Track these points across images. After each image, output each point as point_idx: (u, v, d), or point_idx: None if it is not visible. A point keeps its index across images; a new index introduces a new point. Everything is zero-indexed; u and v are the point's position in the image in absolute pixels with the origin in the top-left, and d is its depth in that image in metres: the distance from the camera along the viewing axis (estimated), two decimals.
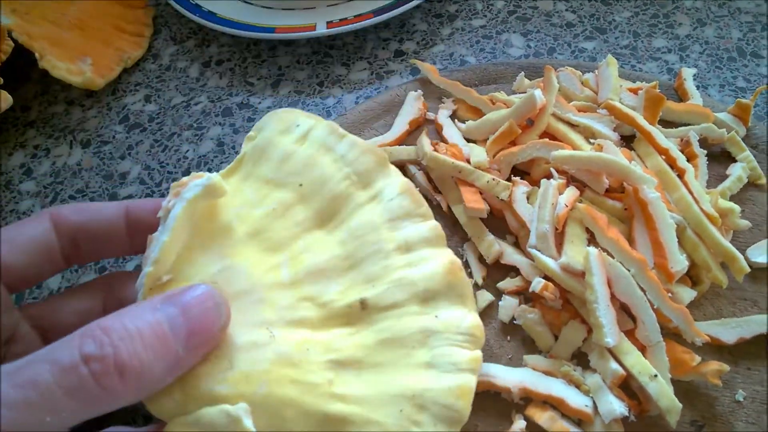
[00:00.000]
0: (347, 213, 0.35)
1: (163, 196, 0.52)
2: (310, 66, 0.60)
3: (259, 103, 0.58)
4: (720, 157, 0.47)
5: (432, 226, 0.35)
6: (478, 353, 0.33)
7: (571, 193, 0.40)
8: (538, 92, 0.44)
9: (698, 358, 0.36)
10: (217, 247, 0.33)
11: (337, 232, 0.35)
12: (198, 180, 0.32)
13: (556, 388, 0.36)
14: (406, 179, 0.37)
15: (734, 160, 0.46)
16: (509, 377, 0.37)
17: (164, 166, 0.54)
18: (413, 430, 0.31)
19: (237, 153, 0.54)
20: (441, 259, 0.34)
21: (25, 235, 0.34)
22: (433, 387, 0.32)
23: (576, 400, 0.36)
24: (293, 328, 0.32)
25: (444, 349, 0.33)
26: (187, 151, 0.55)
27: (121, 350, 0.26)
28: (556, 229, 0.39)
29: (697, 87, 0.50)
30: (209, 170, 0.53)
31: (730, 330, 0.38)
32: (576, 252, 0.38)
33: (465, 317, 0.34)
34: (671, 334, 0.38)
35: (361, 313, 0.33)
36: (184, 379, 0.29)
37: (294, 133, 0.38)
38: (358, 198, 0.36)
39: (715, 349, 0.38)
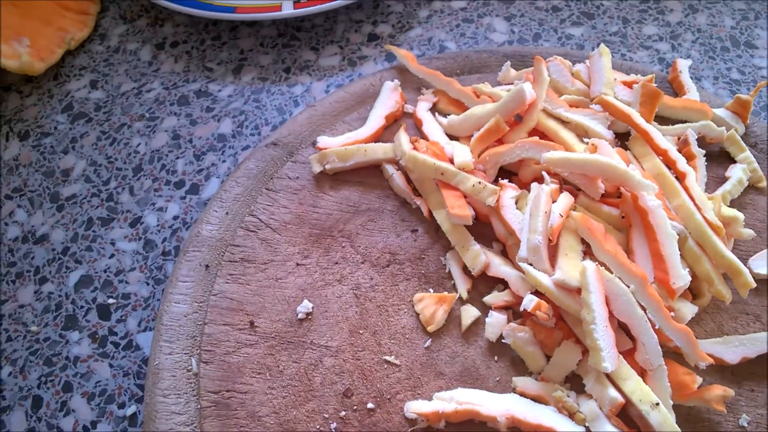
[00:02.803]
0: None
1: (111, 195, 0.47)
2: (276, 50, 0.55)
3: (219, 90, 0.52)
4: (718, 157, 0.43)
5: None
6: None
7: (566, 200, 0.37)
8: (527, 86, 0.40)
9: (700, 380, 0.34)
10: None
11: None
12: None
13: (545, 417, 0.33)
14: None
15: (733, 161, 0.43)
16: (495, 405, 0.34)
17: (112, 162, 0.49)
18: None
19: (194, 147, 0.49)
20: None
21: None
22: None
23: (567, 429, 0.33)
24: None
25: None
26: (139, 144, 0.49)
27: None
28: (550, 241, 0.36)
29: (691, 79, 0.47)
30: (163, 166, 0.48)
31: (732, 349, 0.36)
32: (571, 267, 0.35)
33: None
34: (670, 353, 0.35)
35: None
36: None
37: None
38: None
39: (716, 368, 0.36)
